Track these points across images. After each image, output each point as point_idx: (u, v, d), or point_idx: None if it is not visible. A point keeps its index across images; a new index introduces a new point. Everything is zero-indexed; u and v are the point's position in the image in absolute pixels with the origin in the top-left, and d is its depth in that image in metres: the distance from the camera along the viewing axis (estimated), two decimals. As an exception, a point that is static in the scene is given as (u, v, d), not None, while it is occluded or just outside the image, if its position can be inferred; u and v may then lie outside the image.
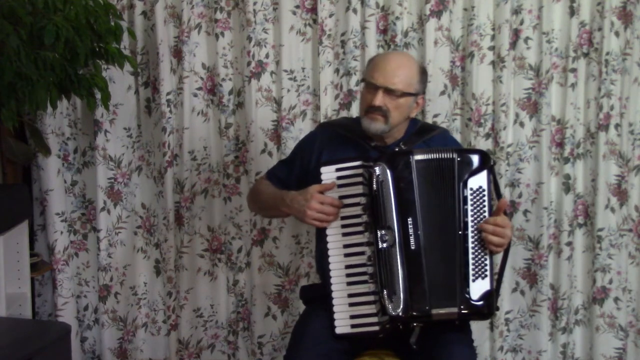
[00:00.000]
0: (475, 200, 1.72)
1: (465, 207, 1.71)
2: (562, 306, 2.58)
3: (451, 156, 1.73)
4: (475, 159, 1.73)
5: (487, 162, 1.74)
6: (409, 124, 1.97)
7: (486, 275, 1.71)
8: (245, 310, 2.70)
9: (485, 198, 1.72)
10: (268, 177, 2.07)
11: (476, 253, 1.71)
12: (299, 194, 1.79)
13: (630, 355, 2.62)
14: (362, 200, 1.74)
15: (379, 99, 1.81)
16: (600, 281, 2.57)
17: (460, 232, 1.70)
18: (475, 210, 1.71)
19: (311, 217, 1.75)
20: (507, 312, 2.62)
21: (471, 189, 1.72)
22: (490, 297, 1.70)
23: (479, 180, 1.72)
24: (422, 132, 1.95)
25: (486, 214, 1.72)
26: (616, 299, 2.58)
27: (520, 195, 2.57)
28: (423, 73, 1.91)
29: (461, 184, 1.71)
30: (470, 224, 1.71)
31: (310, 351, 1.71)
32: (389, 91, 1.81)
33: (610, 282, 2.58)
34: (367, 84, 1.86)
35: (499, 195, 1.81)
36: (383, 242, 1.69)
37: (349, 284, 1.74)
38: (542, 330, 2.58)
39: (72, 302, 2.68)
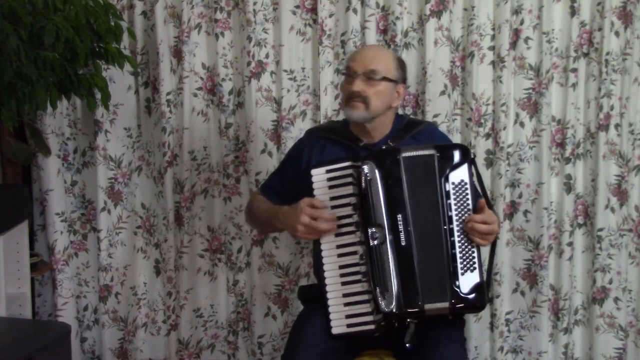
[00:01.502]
0: (457, 194, 1.72)
1: (449, 201, 1.71)
2: (564, 307, 2.58)
3: (431, 152, 1.73)
4: (455, 153, 1.74)
5: (467, 155, 1.75)
6: (396, 120, 1.98)
7: (475, 268, 1.71)
8: (245, 310, 2.70)
9: (468, 191, 1.73)
10: (262, 190, 2.07)
11: (463, 247, 1.72)
12: (291, 208, 1.80)
13: (630, 355, 2.62)
14: (353, 200, 1.74)
15: (358, 85, 1.84)
16: (600, 281, 2.57)
17: (445, 227, 1.71)
18: (459, 204, 1.72)
19: (301, 232, 1.75)
20: (508, 313, 2.62)
21: (453, 183, 1.72)
22: (481, 289, 1.70)
23: (460, 174, 1.73)
24: (409, 127, 1.96)
25: (470, 206, 1.73)
26: (616, 299, 2.58)
27: (520, 196, 2.57)
28: (400, 62, 1.93)
29: (443, 179, 1.72)
30: (454, 217, 1.71)
31: (307, 351, 1.72)
32: (367, 77, 1.84)
33: (610, 282, 2.58)
34: (346, 74, 1.89)
35: (481, 188, 1.83)
36: (374, 239, 1.69)
37: (343, 283, 1.75)
38: (542, 331, 2.57)
39: (72, 302, 2.68)
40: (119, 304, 2.73)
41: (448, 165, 1.72)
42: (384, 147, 1.87)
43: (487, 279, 1.78)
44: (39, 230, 2.71)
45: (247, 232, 2.65)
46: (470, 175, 1.74)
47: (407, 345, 1.69)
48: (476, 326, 2.60)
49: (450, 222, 1.71)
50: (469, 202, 1.72)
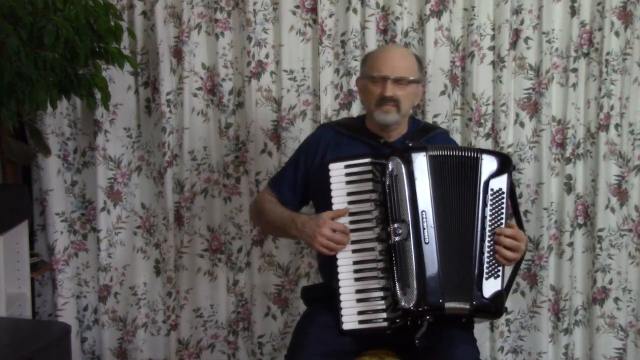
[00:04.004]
0: (494, 201, 1.74)
1: (485, 206, 1.73)
2: (564, 307, 2.58)
3: (476, 155, 1.76)
4: (498, 161, 1.77)
5: (508, 165, 1.78)
6: (410, 122, 2.00)
7: (499, 275, 1.73)
8: (245, 310, 2.70)
9: (504, 201, 1.75)
10: (272, 186, 2.05)
11: (492, 252, 1.73)
12: (311, 219, 1.80)
13: (630, 355, 2.62)
14: (373, 196, 1.75)
15: (390, 89, 1.85)
16: (601, 281, 2.57)
17: (478, 230, 1.72)
18: (494, 211, 1.74)
19: (320, 244, 1.75)
20: (508, 313, 2.62)
21: (492, 189, 1.74)
22: (500, 297, 1.72)
23: (499, 183, 1.75)
24: (425, 131, 1.99)
25: (503, 216, 1.75)
26: (616, 299, 2.58)
27: (520, 196, 2.57)
28: (420, 61, 1.98)
29: (483, 184, 1.74)
30: (488, 223, 1.73)
31: (311, 351, 1.72)
32: (397, 81, 1.86)
33: (611, 282, 2.58)
34: (373, 78, 1.89)
35: (513, 200, 1.84)
36: (396, 235, 1.70)
37: (357, 279, 1.75)
38: (542, 331, 2.57)
39: (72, 302, 2.68)
40: (117, 304, 2.72)
41: (490, 171, 1.75)
42: (410, 145, 1.89)
43: (507, 289, 1.78)
44: (39, 230, 2.71)
45: (247, 232, 2.65)
46: (508, 185, 1.76)
47: (417, 342, 1.70)
48: (476, 326, 2.57)
49: (484, 226, 1.73)
50: (503, 211, 1.74)
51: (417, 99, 1.97)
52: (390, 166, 1.71)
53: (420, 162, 1.72)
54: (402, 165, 1.71)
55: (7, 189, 2.41)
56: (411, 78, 1.88)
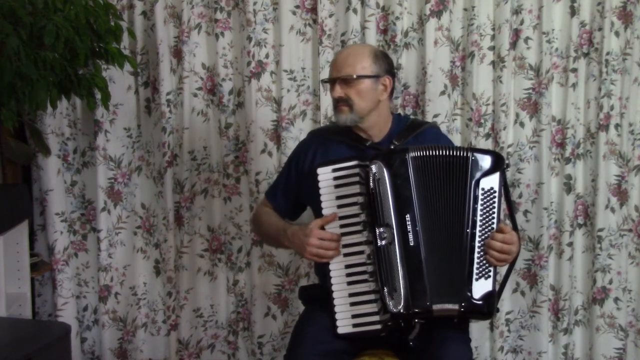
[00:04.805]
0: (485, 200, 1.72)
1: (476, 206, 1.71)
2: (564, 307, 2.58)
3: (465, 154, 1.73)
4: (489, 159, 1.74)
5: (500, 164, 1.76)
6: (396, 119, 1.98)
7: (489, 276, 1.71)
8: (245, 310, 2.70)
9: (496, 200, 1.73)
10: (268, 196, 2.06)
11: (482, 253, 1.72)
12: (300, 229, 1.80)
13: (630, 355, 2.62)
14: (360, 199, 1.74)
15: (337, 91, 1.85)
16: (601, 281, 2.57)
17: (468, 230, 1.71)
18: (484, 211, 1.72)
19: (310, 254, 1.76)
20: (508, 313, 2.62)
21: (482, 189, 1.72)
22: (491, 297, 1.71)
23: (491, 181, 1.73)
24: (412, 128, 1.96)
25: (495, 215, 1.73)
26: (616, 299, 2.58)
27: (520, 196, 2.57)
28: (378, 55, 1.90)
29: (473, 183, 1.72)
30: (478, 223, 1.71)
31: (310, 351, 1.72)
32: (343, 81, 1.84)
33: (611, 282, 2.58)
34: (328, 82, 1.91)
35: (507, 199, 1.82)
36: (382, 239, 1.69)
37: (349, 283, 1.75)
38: (542, 331, 2.57)
39: (72, 302, 2.68)
40: (118, 304, 2.73)
41: (480, 170, 1.73)
42: (392, 147, 1.87)
43: (500, 290, 1.78)
44: (39, 230, 2.71)
45: (247, 232, 2.65)
46: (500, 184, 1.74)
47: (411, 343, 1.69)
48: (476, 326, 2.60)
49: (474, 226, 1.71)
50: (495, 210, 1.72)
51: (380, 94, 1.88)
52: (373, 169, 1.70)
53: (402, 164, 1.71)
54: (385, 169, 1.70)
55: (7, 189, 2.41)
56: (357, 75, 1.83)
